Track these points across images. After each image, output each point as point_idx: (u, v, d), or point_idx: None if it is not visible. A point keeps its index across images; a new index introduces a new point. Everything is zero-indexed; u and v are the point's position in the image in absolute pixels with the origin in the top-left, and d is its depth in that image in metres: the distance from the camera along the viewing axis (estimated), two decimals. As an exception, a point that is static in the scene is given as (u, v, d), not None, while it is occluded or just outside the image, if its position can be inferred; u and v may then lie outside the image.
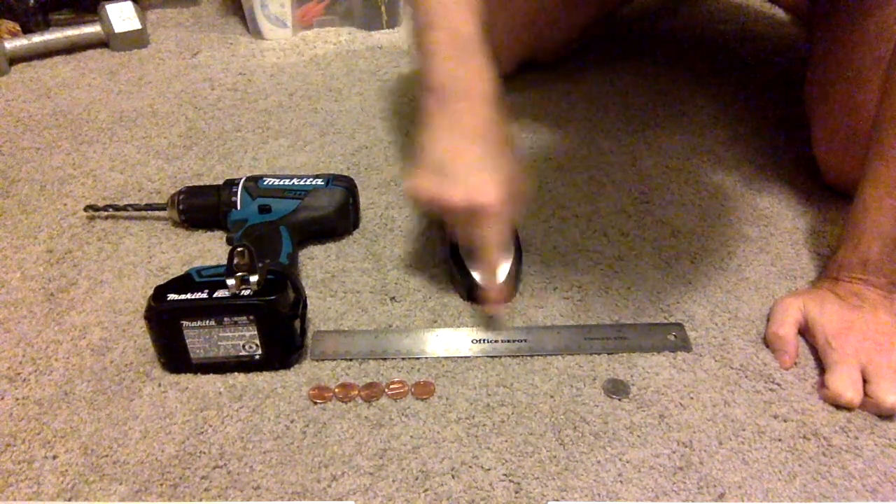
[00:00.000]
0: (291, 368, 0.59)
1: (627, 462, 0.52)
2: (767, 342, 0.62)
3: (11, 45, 1.06)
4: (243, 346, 0.57)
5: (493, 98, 0.59)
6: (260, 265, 0.56)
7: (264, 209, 0.69)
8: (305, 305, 0.62)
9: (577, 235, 0.74)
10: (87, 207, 0.75)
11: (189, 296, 0.55)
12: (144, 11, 1.18)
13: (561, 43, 1.02)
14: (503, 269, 0.65)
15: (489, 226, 0.57)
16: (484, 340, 0.61)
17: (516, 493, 0.50)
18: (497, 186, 0.56)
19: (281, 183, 0.72)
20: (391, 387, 0.57)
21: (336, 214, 0.71)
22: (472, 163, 0.57)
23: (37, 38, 1.08)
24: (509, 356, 0.60)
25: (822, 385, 0.57)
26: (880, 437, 0.54)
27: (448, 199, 0.56)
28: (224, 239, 0.72)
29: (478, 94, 0.58)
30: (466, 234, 0.60)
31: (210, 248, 0.72)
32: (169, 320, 0.56)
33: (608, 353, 0.60)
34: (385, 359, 0.60)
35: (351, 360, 0.60)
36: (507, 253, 0.66)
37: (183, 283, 0.57)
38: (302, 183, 0.72)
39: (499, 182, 0.56)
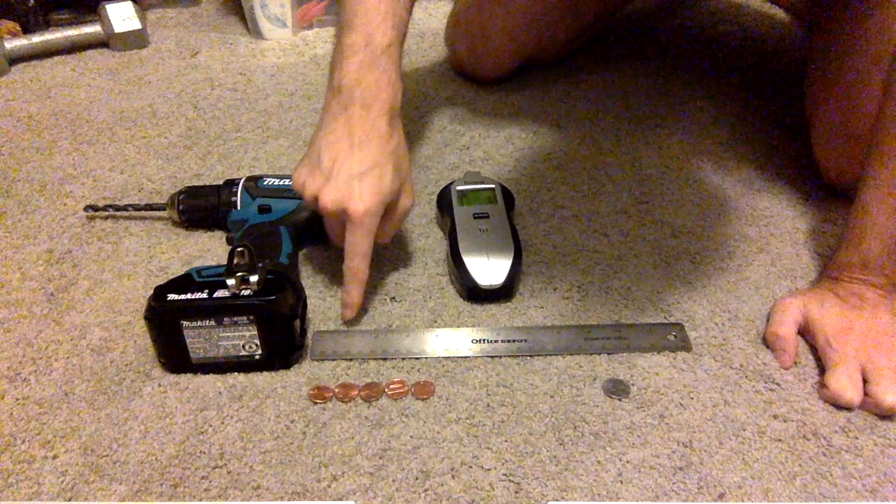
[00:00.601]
0: (291, 368, 0.59)
1: (627, 462, 0.52)
2: (767, 342, 0.62)
3: (11, 45, 1.06)
4: (243, 346, 0.57)
5: (393, 110, 0.61)
6: (260, 265, 0.56)
7: (264, 209, 0.69)
8: (305, 305, 0.62)
9: (577, 235, 0.74)
10: (87, 207, 0.75)
11: (189, 296, 0.55)
12: (144, 11, 1.17)
13: (561, 43, 1.03)
14: (502, 269, 0.65)
15: (355, 233, 0.59)
16: (484, 340, 0.61)
17: (516, 493, 0.50)
18: (371, 197, 0.58)
19: (281, 183, 0.72)
20: (391, 387, 0.57)
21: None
22: (353, 169, 0.58)
23: (37, 38, 1.08)
24: (509, 356, 0.60)
25: (822, 385, 0.57)
26: (880, 437, 0.54)
27: (322, 198, 0.58)
28: (224, 239, 0.72)
29: (378, 103, 0.59)
30: (336, 237, 0.62)
31: (210, 248, 0.72)
32: (169, 320, 0.56)
33: (608, 353, 0.60)
34: (385, 359, 0.60)
35: (351, 360, 0.60)
36: (507, 252, 0.66)
37: (183, 283, 0.57)
38: (302, 183, 0.72)
39: (374, 193, 0.58)
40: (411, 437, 0.54)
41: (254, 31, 1.14)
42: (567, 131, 0.91)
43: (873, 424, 0.55)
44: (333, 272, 0.69)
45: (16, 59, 1.07)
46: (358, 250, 0.59)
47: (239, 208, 0.71)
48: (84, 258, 0.71)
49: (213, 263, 0.63)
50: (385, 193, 0.59)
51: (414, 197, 0.64)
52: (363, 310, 0.65)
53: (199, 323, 0.56)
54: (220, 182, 0.73)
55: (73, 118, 0.94)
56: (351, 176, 0.58)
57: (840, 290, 0.61)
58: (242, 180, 0.72)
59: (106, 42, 1.11)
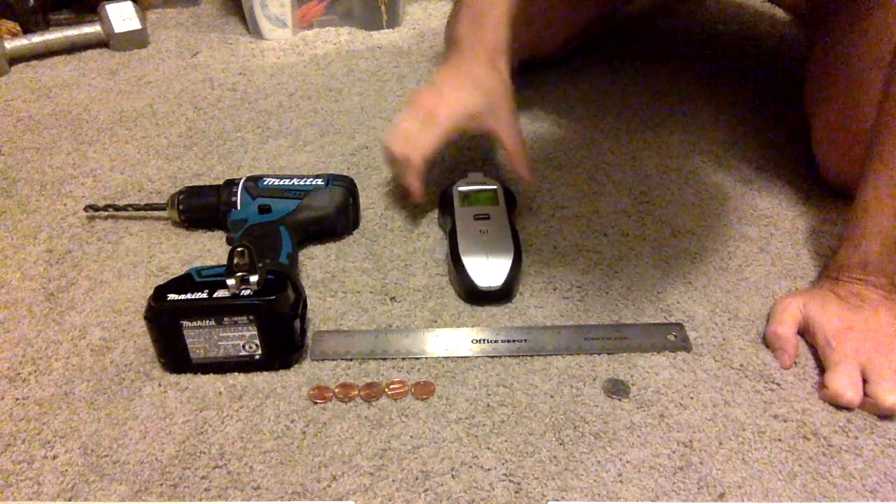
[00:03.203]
0: (291, 368, 0.59)
1: (627, 462, 0.52)
2: (767, 342, 0.62)
3: (11, 45, 1.06)
4: (243, 346, 0.57)
5: (496, 52, 0.71)
6: (260, 265, 0.56)
7: (264, 209, 0.69)
8: (305, 305, 0.62)
9: (577, 235, 0.74)
10: (87, 207, 0.75)
11: (189, 296, 0.55)
12: (144, 11, 1.18)
13: (561, 43, 1.02)
14: (501, 271, 0.65)
15: (434, 125, 0.68)
16: (484, 340, 0.61)
17: (516, 493, 0.50)
18: (459, 105, 0.69)
19: (281, 183, 0.72)
20: (391, 387, 0.57)
21: (336, 214, 0.71)
22: (452, 85, 0.70)
23: (37, 38, 1.08)
24: (509, 356, 0.60)
25: (822, 385, 0.57)
26: (880, 437, 0.54)
27: (422, 95, 0.71)
28: (224, 239, 0.72)
29: (481, 48, 0.71)
30: (412, 132, 0.70)
31: (210, 248, 0.72)
32: (169, 320, 0.56)
33: (608, 353, 0.60)
34: (385, 359, 0.60)
35: (351, 360, 0.60)
36: (506, 254, 0.66)
37: (183, 283, 0.57)
38: (302, 183, 0.72)
39: (460, 104, 0.69)
40: (411, 437, 0.54)
41: (254, 31, 1.14)
42: (567, 131, 0.91)
43: (873, 424, 0.55)
44: (333, 272, 0.69)
45: (16, 59, 1.07)
46: (428, 139, 0.68)
47: (239, 208, 0.71)
48: (84, 258, 0.71)
49: (213, 263, 0.63)
50: (470, 107, 0.69)
51: (515, 129, 0.72)
52: (363, 310, 0.65)
53: (199, 323, 0.56)
54: (220, 182, 0.73)
55: (73, 118, 0.94)
56: (446, 88, 0.70)
57: (840, 290, 0.61)
58: (242, 180, 0.72)
59: (106, 42, 1.11)
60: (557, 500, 0.50)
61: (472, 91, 0.70)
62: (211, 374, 0.58)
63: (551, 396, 0.57)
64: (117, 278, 0.68)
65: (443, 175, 0.82)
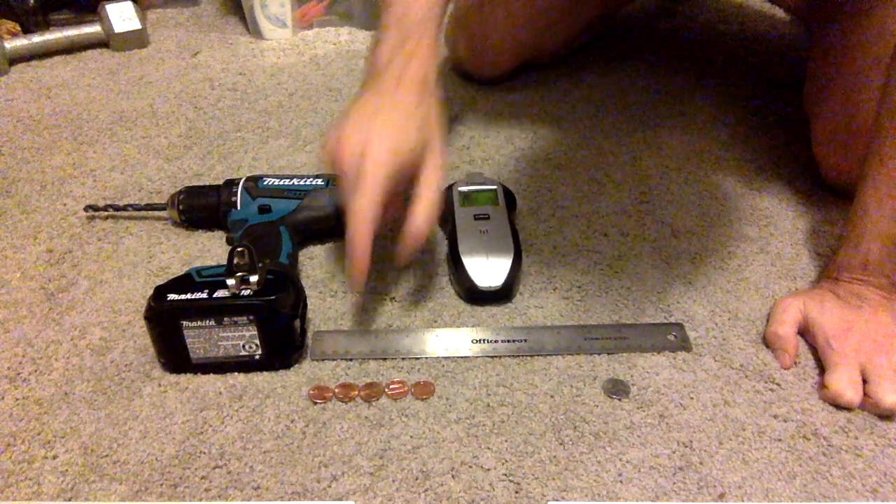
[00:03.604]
0: (291, 368, 0.59)
1: (627, 462, 0.52)
2: (767, 342, 0.62)
3: (11, 45, 1.06)
4: (243, 346, 0.57)
5: (426, 80, 0.60)
6: (260, 265, 0.56)
7: (264, 209, 0.69)
8: (305, 305, 0.62)
9: (577, 235, 0.74)
10: (87, 207, 0.75)
11: (189, 296, 0.55)
12: (144, 11, 1.17)
13: (561, 43, 1.03)
14: (501, 271, 0.65)
15: (363, 184, 0.56)
16: (484, 340, 0.61)
17: (516, 493, 0.50)
18: (386, 152, 0.56)
19: (281, 183, 0.72)
20: (391, 387, 0.57)
21: (336, 214, 0.71)
22: (375, 125, 0.58)
23: (37, 38, 1.08)
24: (509, 356, 0.60)
25: (822, 385, 0.57)
26: (880, 437, 0.54)
27: (339, 149, 0.57)
28: (224, 239, 0.72)
29: (409, 73, 0.60)
30: (346, 195, 0.58)
31: (210, 248, 0.72)
32: (169, 320, 0.56)
33: (608, 353, 0.60)
34: (385, 359, 0.60)
35: (351, 360, 0.60)
36: (506, 254, 0.66)
37: (183, 283, 0.57)
38: (302, 183, 0.72)
39: (390, 149, 0.56)
40: (411, 437, 0.54)
41: (254, 31, 1.14)
42: (567, 131, 0.91)
43: (873, 424, 0.55)
44: (333, 272, 0.69)
45: (16, 59, 1.07)
46: (361, 207, 0.56)
47: (239, 208, 0.71)
48: (84, 258, 0.71)
49: (213, 263, 0.63)
50: (403, 151, 0.57)
51: (442, 170, 0.60)
52: (363, 310, 0.65)
53: (199, 323, 0.56)
54: (220, 182, 0.73)
55: (73, 118, 0.94)
56: (371, 130, 0.57)
57: (840, 290, 0.61)
58: (242, 180, 0.72)
59: (106, 42, 1.11)
60: (557, 500, 0.50)
61: (403, 128, 0.58)
62: (211, 374, 0.58)
63: (551, 396, 0.57)
64: (117, 278, 0.68)
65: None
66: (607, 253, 0.71)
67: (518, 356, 0.60)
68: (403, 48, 0.60)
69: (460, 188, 0.73)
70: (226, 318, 0.56)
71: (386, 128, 0.57)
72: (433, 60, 0.61)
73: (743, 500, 0.50)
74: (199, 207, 0.72)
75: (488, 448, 0.53)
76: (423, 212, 0.58)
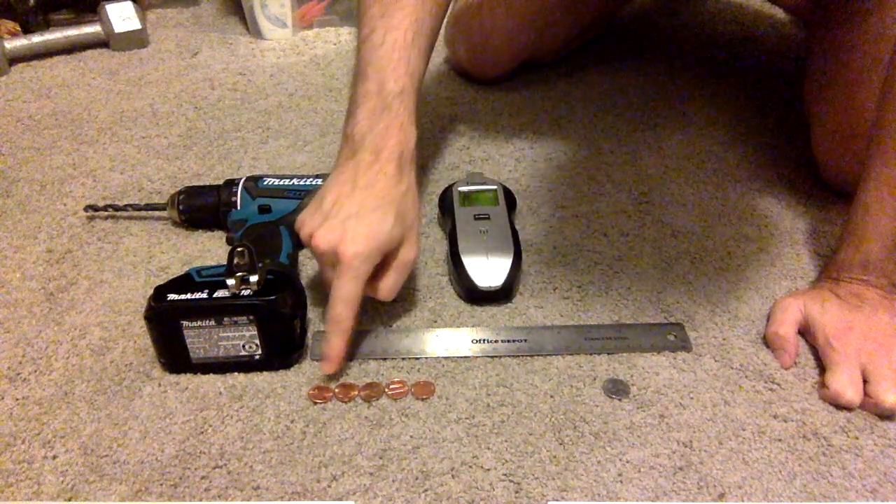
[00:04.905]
0: (291, 368, 0.59)
1: (627, 462, 0.52)
2: (767, 342, 0.62)
3: (11, 45, 1.06)
4: (243, 346, 0.57)
5: (403, 157, 0.59)
6: (260, 265, 0.56)
7: (264, 209, 0.69)
8: (305, 305, 0.62)
9: (577, 235, 0.74)
10: (87, 207, 0.75)
11: (189, 296, 0.55)
12: (144, 11, 1.17)
13: (561, 43, 1.02)
14: (501, 271, 0.65)
15: (342, 276, 0.55)
16: (484, 340, 0.61)
17: (516, 493, 0.50)
18: (365, 240, 0.55)
19: (281, 183, 0.72)
20: (391, 387, 0.57)
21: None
22: (352, 210, 0.56)
23: (37, 38, 1.08)
24: (509, 356, 0.60)
25: (822, 385, 0.57)
26: (880, 437, 0.54)
27: (315, 237, 0.56)
28: (224, 239, 0.72)
29: (387, 149, 0.58)
30: (328, 282, 0.58)
31: (210, 248, 0.72)
32: (169, 320, 0.56)
33: (608, 353, 0.60)
34: (385, 359, 0.60)
35: (351, 360, 0.60)
36: (506, 254, 0.66)
37: (183, 283, 0.57)
38: (302, 183, 0.72)
39: (368, 236, 0.55)
40: (411, 437, 0.54)
41: (254, 31, 1.14)
42: (567, 131, 0.91)
43: (873, 424, 0.55)
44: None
45: (16, 59, 1.07)
46: (342, 294, 0.55)
47: (239, 208, 0.71)
48: (84, 258, 0.71)
49: (213, 263, 0.63)
50: (381, 239, 0.56)
51: (418, 250, 0.60)
52: (363, 310, 0.65)
53: (199, 323, 0.56)
54: (220, 182, 0.73)
55: (73, 118, 0.94)
56: (348, 216, 0.56)
57: (840, 290, 0.61)
58: (242, 180, 0.72)
59: (106, 42, 1.11)
60: (557, 500, 0.50)
61: (381, 210, 0.57)
62: (211, 374, 0.58)
63: (551, 396, 0.57)
64: (117, 278, 0.68)
65: (443, 175, 0.82)
66: (607, 253, 0.71)
67: (518, 356, 0.60)
68: (381, 121, 0.59)
69: (460, 188, 0.73)
70: (226, 318, 0.56)
71: (365, 214, 0.56)
72: (412, 135, 0.60)
73: (743, 500, 0.50)
74: (199, 207, 0.72)
75: (488, 448, 0.53)
76: (388, 287, 0.59)
